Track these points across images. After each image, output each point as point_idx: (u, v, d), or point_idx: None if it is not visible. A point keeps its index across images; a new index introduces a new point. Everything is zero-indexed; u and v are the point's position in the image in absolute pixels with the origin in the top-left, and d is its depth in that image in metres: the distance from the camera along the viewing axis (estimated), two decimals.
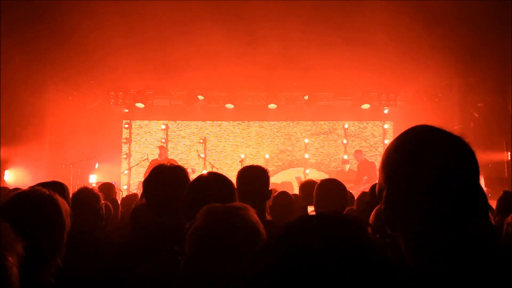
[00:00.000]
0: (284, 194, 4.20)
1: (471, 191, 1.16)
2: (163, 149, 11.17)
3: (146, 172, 10.71)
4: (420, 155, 1.15)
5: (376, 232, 0.84)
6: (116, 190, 5.62)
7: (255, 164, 2.88)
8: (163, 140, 13.07)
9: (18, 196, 1.95)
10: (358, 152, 11.86)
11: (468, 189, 1.15)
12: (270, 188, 2.76)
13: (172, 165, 2.44)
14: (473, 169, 1.17)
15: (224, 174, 2.29)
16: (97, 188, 4.68)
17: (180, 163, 2.63)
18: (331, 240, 0.77)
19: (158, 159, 10.68)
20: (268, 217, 2.99)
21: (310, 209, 3.62)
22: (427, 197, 1.13)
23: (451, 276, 1.08)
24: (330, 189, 3.30)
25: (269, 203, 3.99)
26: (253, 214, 1.52)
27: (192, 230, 1.47)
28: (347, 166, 12.01)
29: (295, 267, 0.75)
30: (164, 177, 2.36)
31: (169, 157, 11.26)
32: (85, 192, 3.37)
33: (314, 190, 3.40)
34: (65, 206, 1.94)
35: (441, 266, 1.10)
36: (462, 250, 1.12)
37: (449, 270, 1.09)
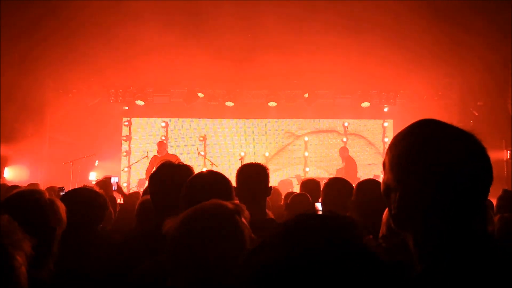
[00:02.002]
0: (302, 195, 4.23)
1: (482, 191, 1.14)
2: (162, 145, 10.94)
3: (147, 169, 10.64)
4: (431, 154, 1.12)
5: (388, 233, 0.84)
6: (119, 186, 5.64)
7: (254, 162, 2.88)
8: (163, 137, 13.06)
9: (14, 197, 1.95)
10: (342, 150, 11.79)
11: (480, 189, 1.14)
12: (270, 186, 2.76)
13: (178, 164, 2.46)
14: (485, 168, 1.14)
15: (224, 171, 2.29)
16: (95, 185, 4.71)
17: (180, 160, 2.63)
18: (326, 240, 0.79)
19: (158, 155, 10.60)
20: (271, 214, 2.98)
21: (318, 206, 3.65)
22: (438, 197, 1.11)
23: (459, 275, 1.07)
24: (338, 189, 3.30)
25: (286, 200, 4.00)
26: (227, 211, 1.49)
27: (168, 233, 1.48)
28: None
29: (291, 265, 0.76)
30: (170, 175, 2.37)
31: (169, 153, 11.16)
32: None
33: (322, 188, 3.41)
34: (61, 205, 1.95)
35: (450, 266, 1.09)
36: (471, 249, 1.11)
37: (457, 269, 1.08)
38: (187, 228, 1.45)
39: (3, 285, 1.05)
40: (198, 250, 1.40)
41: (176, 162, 2.52)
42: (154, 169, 2.52)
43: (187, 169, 2.44)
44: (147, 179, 10.41)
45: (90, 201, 2.71)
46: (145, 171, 10.91)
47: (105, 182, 5.32)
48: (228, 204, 1.52)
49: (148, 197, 3.16)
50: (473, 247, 1.12)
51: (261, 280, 0.78)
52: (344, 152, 11.66)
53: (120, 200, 5.39)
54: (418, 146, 1.15)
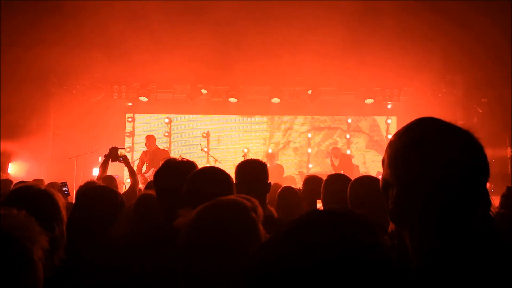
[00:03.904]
0: (288, 189, 4.19)
1: (480, 188, 1.15)
2: (150, 138, 10.44)
3: (138, 166, 10.29)
4: (427, 151, 1.14)
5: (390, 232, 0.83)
6: (117, 184, 5.63)
7: (253, 158, 2.89)
8: (167, 134, 13.08)
9: (15, 192, 1.97)
10: (335, 149, 11.77)
11: (478, 187, 1.15)
12: (269, 181, 2.76)
13: (183, 160, 2.48)
14: (481, 166, 1.16)
15: (227, 168, 2.30)
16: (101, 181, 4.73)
17: (183, 157, 2.65)
18: (338, 238, 0.77)
19: (148, 149, 10.25)
20: (273, 210, 2.99)
21: (318, 204, 3.63)
22: (433, 193, 1.13)
23: (456, 273, 1.08)
24: (338, 185, 3.30)
25: (274, 200, 3.98)
26: (245, 208, 1.49)
27: (182, 226, 1.47)
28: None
29: (300, 262, 0.75)
30: (175, 171, 2.38)
31: (159, 148, 10.84)
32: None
33: (322, 185, 3.40)
34: (61, 200, 1.96)
35: (446, 263, 1.09)
36: (468, 247, 1.11)
37: (454, 267, 1.08)
38: (204, 224, 1.45)
39: (22, 279, 1.05)
40: (213, 245, 1.39)
41: (180, 158, 2.54)
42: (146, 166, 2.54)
43: (192, 164, 2.46)
44: (138, 175, 10.24)
45: (108, 200, 2.72)
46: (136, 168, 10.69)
47: (109, 179, 5.33)
48: (245, 201, 1.52)
49: (148, 191, 3.19)
50: (468, 243, 1.12)
51: (265, 276, 0.76)
52: (336, 151, 11.62)
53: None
54: (415, 143, 1.16)
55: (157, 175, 2.47)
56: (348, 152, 12.81)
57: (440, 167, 1.12)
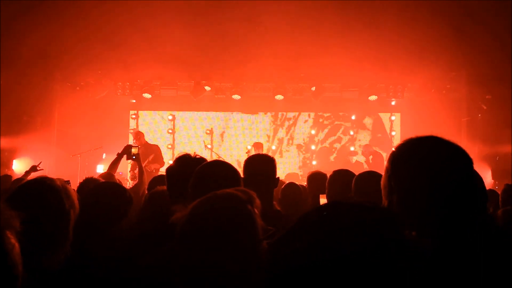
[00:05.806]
0: (291, 185, 4.19)
1: (463, 192, 1.28)
2: (138, 134, 9.81)
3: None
4: (423, 165, 1.30)
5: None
6: (116, 180, 5.62)
7: (262, 153, 2.89)
8: (170, 131, 13.09)
9: (22, 187, 1.97)
10: (366, 146, 11.83)
11: (461, 192, 1.27)
12: (277, 177, 2.76)
13: (195, 156, 2.48)
14: (468, 173, 1.31)
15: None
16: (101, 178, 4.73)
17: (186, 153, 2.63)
18: (364, 230, 0.78)
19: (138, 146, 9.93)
20: (277, 206, 2.98)
21: (322, 199, 3.63)
22: (434, 199, 1.25)
23: (459, 267, 1.09)
24: (343, 181, 3.30)
25: (277, 196, 3.97)
26: (240, 200, 1.48)
27: (178, 221, 1.46)
28: (354, 158, 11.99)
29: (327, 252, 0.75)
30: (187, 168, 2.36)
31: (149, 143, 10.60)
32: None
33: (327, 180, 3.40)
34: (71, 196, 1.96)
35: (450, 258, 1.11)
36: (471, 242, 1.14)
37: (458, 260, 1.10)
38: (198, 217, 1.43)
39: None
40: (209, 239, 1.38)
41: (194, 155, 2.52)
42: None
43: (204, 161, 2.44)
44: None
45: (118, 196, 2.73)
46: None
47: (110, 175, 5.33)
48: (240, 194, 1.50)
49: (159, 189, 3.18)
50: (459, 244, 1.17)
51: (289, 268, 0.76)
52: (368, 148, 11.62)
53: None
54: (416, 159, 1.34)
55: (169, 170, 2.47)
56: (352, 149, 12.78)
57: (429, 177, 1.28)
